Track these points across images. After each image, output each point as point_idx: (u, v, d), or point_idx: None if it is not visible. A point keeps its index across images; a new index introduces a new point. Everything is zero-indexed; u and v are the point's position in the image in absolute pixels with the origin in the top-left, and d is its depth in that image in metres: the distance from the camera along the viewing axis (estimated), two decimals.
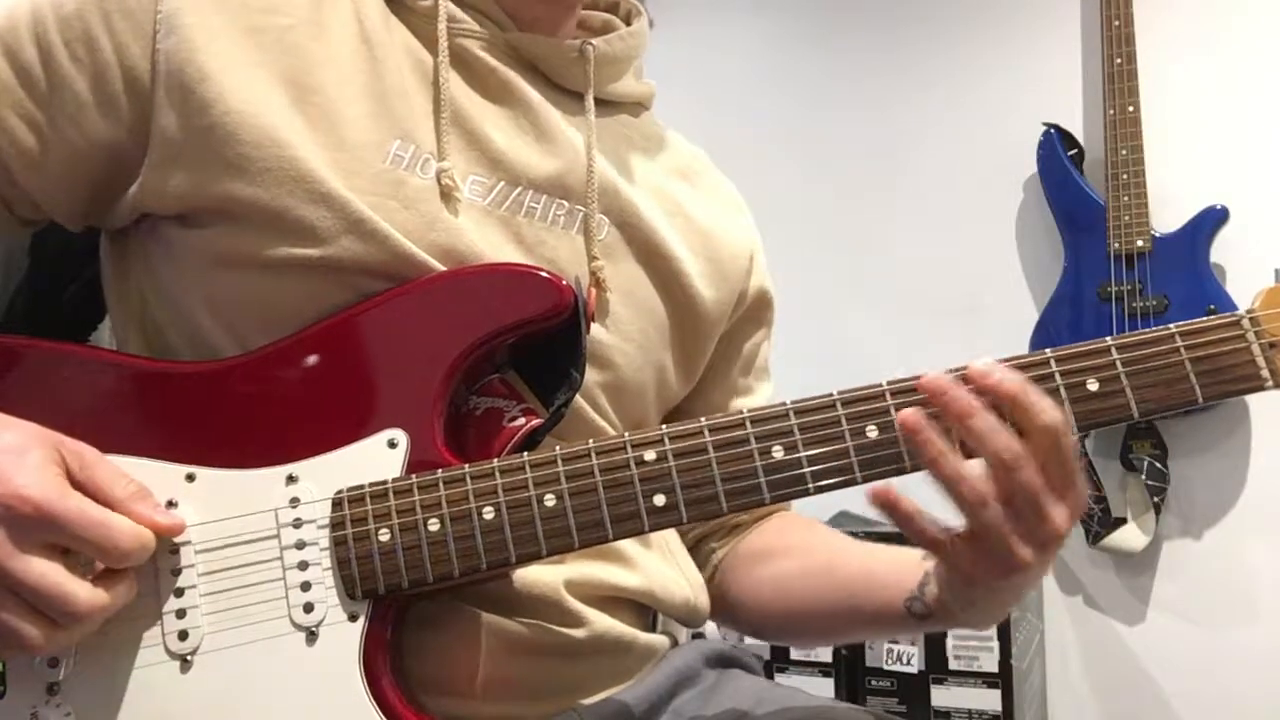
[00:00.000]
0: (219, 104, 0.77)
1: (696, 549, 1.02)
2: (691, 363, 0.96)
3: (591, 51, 0.91)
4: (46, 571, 0.66)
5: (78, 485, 0.70)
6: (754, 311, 1.02)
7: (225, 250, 0.79)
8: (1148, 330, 0.75)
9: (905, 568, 0.86)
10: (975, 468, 0.71)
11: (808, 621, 0.96)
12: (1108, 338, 0.75)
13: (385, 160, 0.81)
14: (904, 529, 0.73)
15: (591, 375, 0.85)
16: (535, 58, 0.90)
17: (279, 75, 0.80)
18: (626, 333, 0.89)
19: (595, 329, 0.85)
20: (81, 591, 0.67)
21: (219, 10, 0.80)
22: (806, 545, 0.99)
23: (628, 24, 0.99)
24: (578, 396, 0.82)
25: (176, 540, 0.74)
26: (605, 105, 0.94)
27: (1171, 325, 0.75)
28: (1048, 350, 0.75)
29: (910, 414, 0.70)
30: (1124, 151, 2.43)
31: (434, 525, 0.74)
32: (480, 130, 0.85)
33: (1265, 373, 0.75)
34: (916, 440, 0.70)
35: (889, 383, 0.75)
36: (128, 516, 0.70)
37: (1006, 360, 0.74)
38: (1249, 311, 0.76)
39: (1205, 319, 0.76)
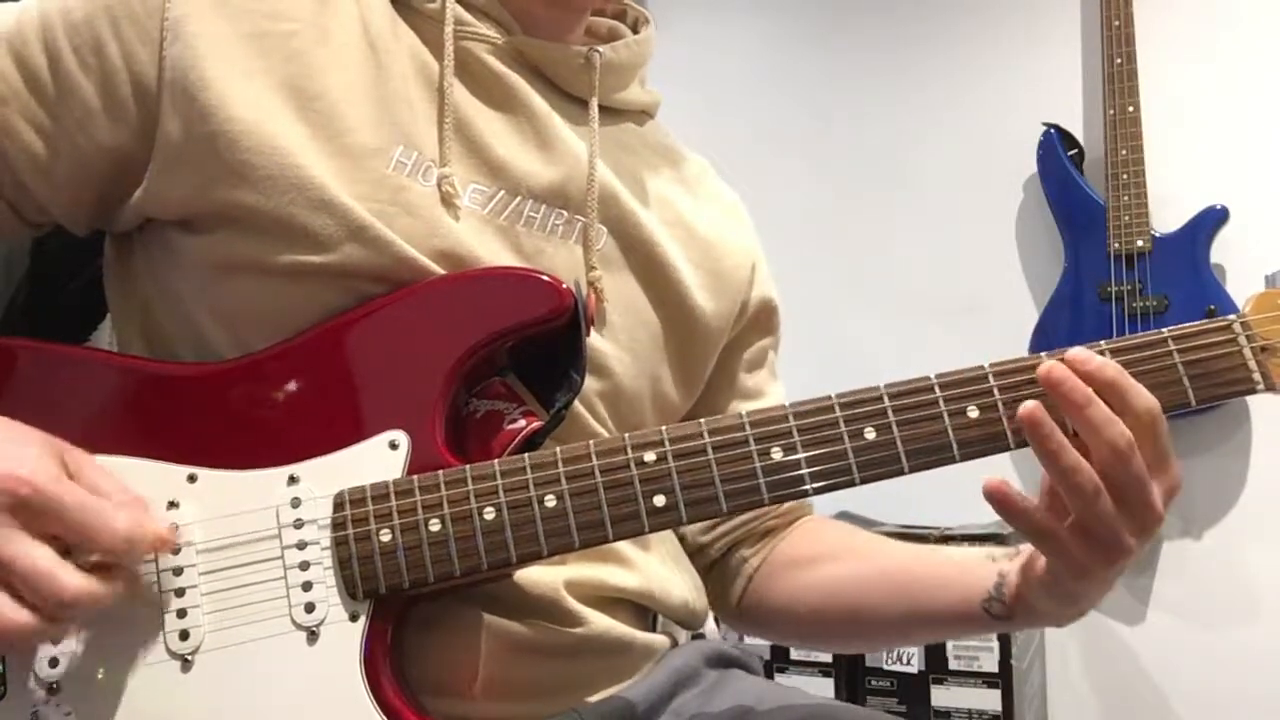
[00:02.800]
0: (222, 111, 0.78)
1: (727, 558, 1.02)
2: (691, 374, 0.95)
3: (598, 59, 0.91)
4: (38, 556, 0.66)
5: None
6: (757, 321, 1.02)
7: (228, 256, 0.79)
8: (1140, 334, 0.76)
9: (967, 568, 0.87)
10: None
11: (870, 626, 0.96)
12: (1101, 341, 0.76)
13: (388, 167, 0.81)
14: (1016, 523, 0.73)
15: (589, 383, 0.85)
16: (541, 63, 0.90)
17: (282, 82, 0.80)
18: (623, 342, 0.89)
19: (593, 337, 0.85)
20: (71, 576, 0.66)
21: (223, 16, 0.80)
22: (852, 548, 0.99)
23: (635, 31, 0.99)
24: (576, 403, 0.82)
25: (178, 540, 0.74)
26: (610, 113, 0.94)
27: (1164, 329, 0.76)
28: (1043, 354, 0.75)
29: (1033, 408, 0.71)
30: (1124, 151, 2.43)
31: (435, 525, 0.74)
32: (482, 139, 0.85)
33: (1257, 376, 0.76)
34: (1039, 433, 0.71)
35: (894, 382, 0.75)
36: None
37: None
38: (1240, 316, 0.77)
39: (1197, 323, 0.77)
